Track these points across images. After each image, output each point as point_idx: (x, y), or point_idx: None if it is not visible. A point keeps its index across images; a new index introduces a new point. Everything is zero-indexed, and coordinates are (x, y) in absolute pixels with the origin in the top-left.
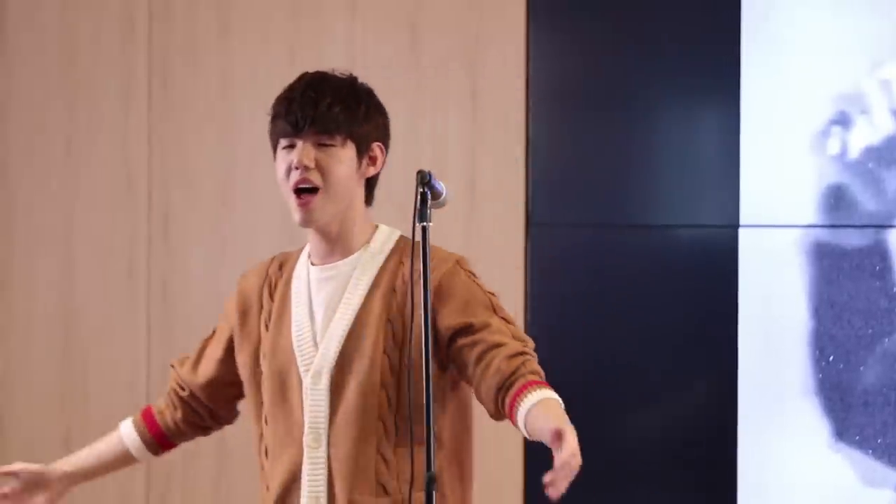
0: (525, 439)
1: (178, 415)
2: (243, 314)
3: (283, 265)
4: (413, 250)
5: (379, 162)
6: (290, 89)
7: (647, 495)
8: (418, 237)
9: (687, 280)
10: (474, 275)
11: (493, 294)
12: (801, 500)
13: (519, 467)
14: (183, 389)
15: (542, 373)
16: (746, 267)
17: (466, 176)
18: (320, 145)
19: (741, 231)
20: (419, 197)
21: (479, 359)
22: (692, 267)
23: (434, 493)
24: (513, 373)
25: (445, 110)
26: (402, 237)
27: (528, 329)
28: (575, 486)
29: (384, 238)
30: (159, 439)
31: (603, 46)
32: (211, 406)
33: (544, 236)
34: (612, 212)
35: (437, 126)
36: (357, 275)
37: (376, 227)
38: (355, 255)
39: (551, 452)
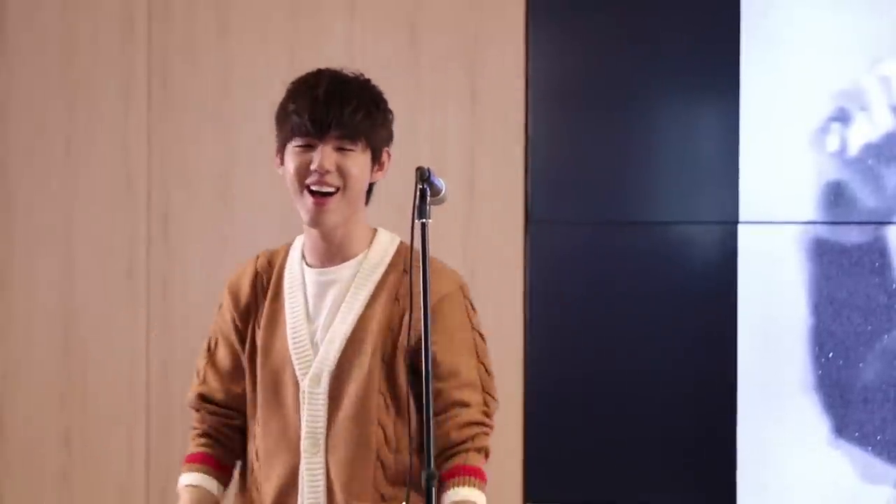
0: (525, 433)
1: (224, 439)
2: (237, 315)
3: (270, 262)
4: (412, 247)
5: (385, 167)
6: (311, 87)
7: (646, 492)
8: (417, 233)
9: (686, 277)
10: (472, 308)
11: (482, 336)
12: (801, 497)
13: (518, 462)
14: (218, 415)
15: (489, 450)
16: (746, 264)
17: (466, 174)
18: (341, 149)
19: (740, 228)
20: (418, 193)
21: (436, 411)
22: (692, 264)
23: (434, 490)
24: (458, 444)
25: (445, 109)
26: (402, 243)
27: (528, 326)
28: (574, 484)
29: (385, 244)
30: (221, 468)
31: (602, 45)
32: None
33: (544, 234)
34: (611, 209)
35: (437, 125)
36: (359, 280)
37: (375, 230)
38: (356, 259)
39: (552, 446)
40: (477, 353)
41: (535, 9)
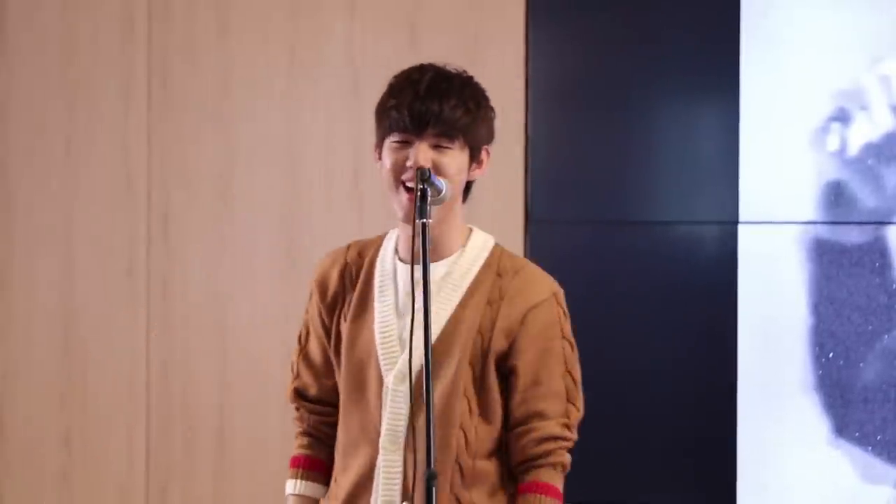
0: None
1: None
2: (324, 307)
3: (360, 254)
4: (413, 246)
5: (484, 165)
6: (412, 82)
7: (646, 492)
8: (418, 234)
9: (686, 277)
10: (566, 314)
11: (572, 344)
12: (801, 497)
13: None
14: (316, 413)
15: (566, 464)
16: (746, 264)
17: None
18: (438, 147)
19: (740, 228)
20: (419, 194)
21: (517, 421)
22: (692, 264)
23: (435, 490)
24: (534, 458)
25: None
26: (496, 245)
27: None
28: (574, 484)
29: (480, 244)
30: (325, 469)
31: (602, 45)
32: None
33: (544, 233)
34: (611, 209)
35: None
36: (453, 280)
37: (470, 230)
38: (450, 258)
39: None
40: (565, 362)
41: (535, 9)
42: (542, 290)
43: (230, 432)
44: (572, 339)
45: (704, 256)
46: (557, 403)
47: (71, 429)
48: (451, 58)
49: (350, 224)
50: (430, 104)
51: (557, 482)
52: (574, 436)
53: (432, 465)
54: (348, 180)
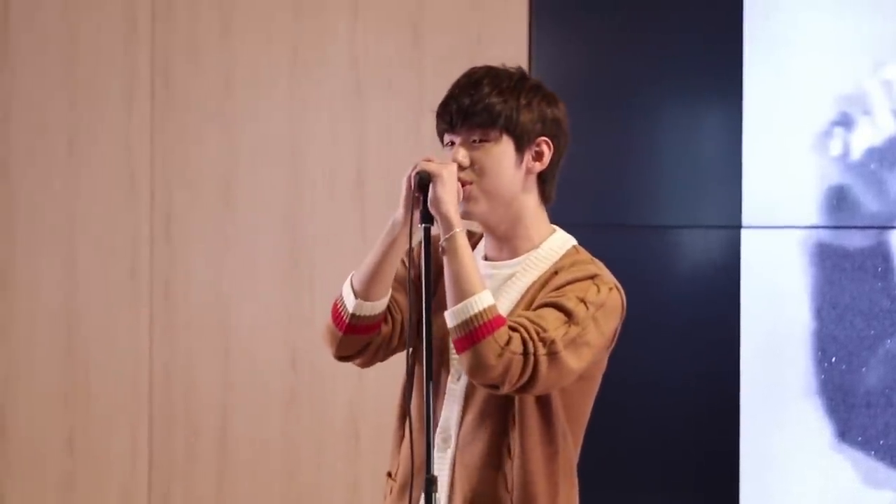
0: None
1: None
2: (415, 274)
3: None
4: (415, 246)
5: (545, 157)
6: (455, 85)
7: (648, 496)
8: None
9: (689, 281)
10: (600, 292)
11: (598, 307)
12: (804, 501)
13: None
14: None
15: (512, 348)
16: (748, 268)
17: None
18: (475, 141)
19: (743, 232)
20: (419, 198)
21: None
22: (694, 268)
23: (434, 495)
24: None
25: None
26: (574, 247)
27: None
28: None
29: (557, 244)
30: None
31: (605, 46)
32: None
33: None
34: (613, 212)
35: None
36: (516, 279)
37: (554, 230)
38: (521, 257)
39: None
40: (585, 297)
41: (538, 9)
42: (587, 269)
43: (232, 433)
44: (594, 306)
45: (707, 261)
46: (549, 312)
47: (74, 430)
48: (453, 58)
49: (353, 225)
50: (461, 99)
51: (501, 334)
52: (540, 350)
53: (431, 470)
54: (351, 181)
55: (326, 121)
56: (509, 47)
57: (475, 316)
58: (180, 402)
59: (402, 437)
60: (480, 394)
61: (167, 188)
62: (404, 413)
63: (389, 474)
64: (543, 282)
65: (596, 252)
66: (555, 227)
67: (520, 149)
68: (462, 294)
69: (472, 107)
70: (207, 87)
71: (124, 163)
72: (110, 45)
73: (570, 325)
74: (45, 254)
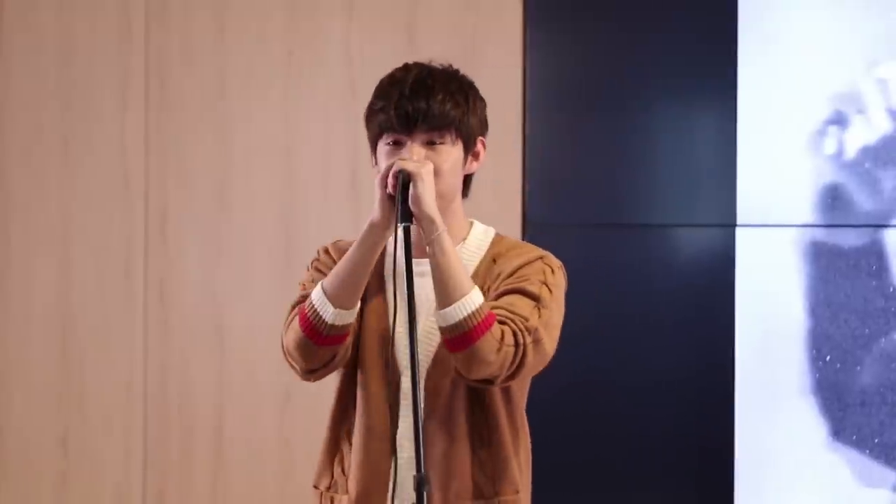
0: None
1: None
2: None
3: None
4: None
5: (481, 157)
6: (397, 82)
7: (643, 494)
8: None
9: (684, 279)
10: (554, 273)
11: (553, 287)
12: (798, 500)
13: None
14: None
15: (508, 342)
16: (743, 266)
17: None
18: (430, 143)
19: (738, 230)
20: (399, 197)
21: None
22: (689, 266)
23: (425, 494)
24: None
25: None
26: (497, 235)
27: None
28: (571, 485)
29: (480, 236)
30: None
31: (599, 46)
32: None
33: (541, 236)
34: (608, 211)
35: None
36: None
37: (471, 223)
38: None
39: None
40: (546, 280)
41: (532, 10)
42: (531, 253)
43: (227, 434)
44: (554, 288)
45: (702, 259)
46: (525, 312)
47: (68, 429)
48: (448, 59)
49: (347, 225)
50: (417, 102)
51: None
52: (527, 340)
53: (422, 470)
54: (346, 181)
55: (321, 122)
56: (503, 48)
57: (470, 316)
58: (175, 402)
59: (339, 449)
60: (442, 389)
61: (162, 189)
62: (341, 424)
63: (328, 487)
64: (485, 271)
65: (591, 251)
66: (471, 219)
67: (467, 150)
68: (453, 294)
69: (430, 110)
70: (202, 87)
71: (119, 163)
72: (105, 46)
73: (539, 310)
74: (40, 254)
